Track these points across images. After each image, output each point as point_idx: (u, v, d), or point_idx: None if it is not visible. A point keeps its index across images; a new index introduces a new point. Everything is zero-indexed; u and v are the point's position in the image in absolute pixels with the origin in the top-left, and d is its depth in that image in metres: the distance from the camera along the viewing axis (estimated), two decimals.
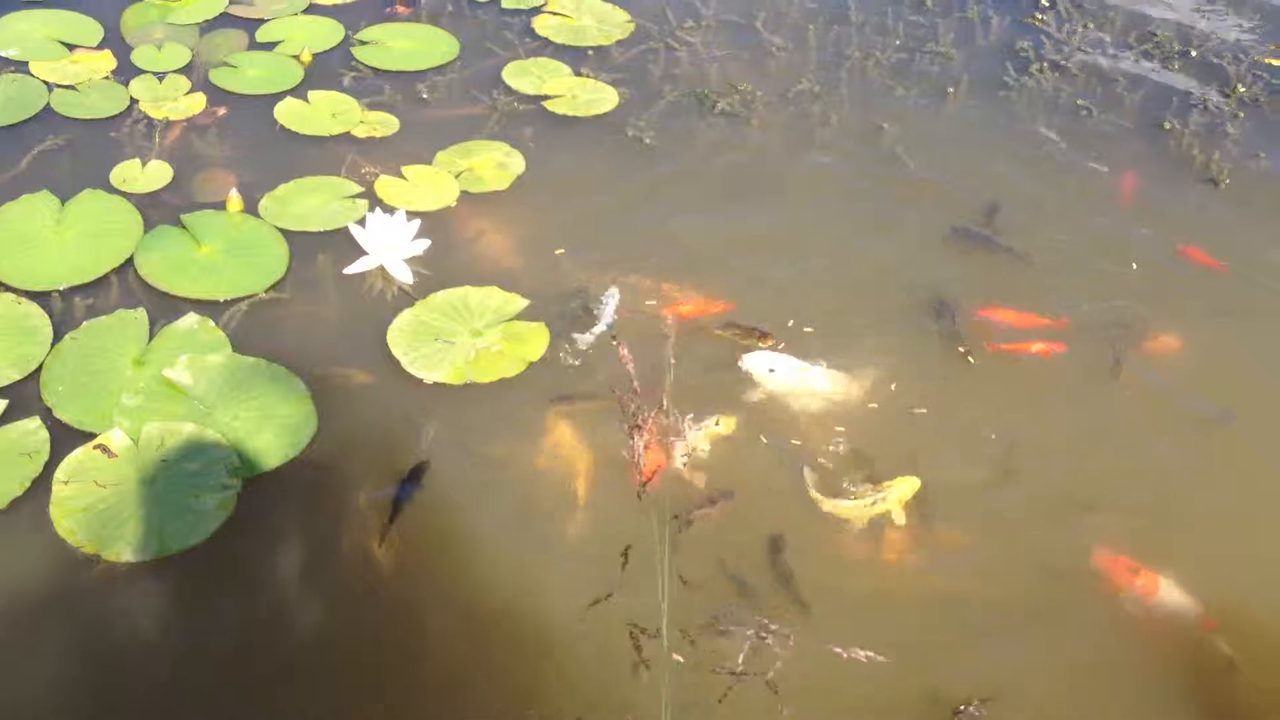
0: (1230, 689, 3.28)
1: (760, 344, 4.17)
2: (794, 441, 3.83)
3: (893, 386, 4.04)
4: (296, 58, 5.44)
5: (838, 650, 3.08)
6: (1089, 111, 5.55)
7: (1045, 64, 5.83)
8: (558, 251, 4.50)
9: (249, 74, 5.35)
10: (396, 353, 4.04)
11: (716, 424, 3.82)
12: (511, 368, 4.06)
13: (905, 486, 3.69)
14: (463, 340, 4.14)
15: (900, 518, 3.61)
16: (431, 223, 4.57)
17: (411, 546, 3.51)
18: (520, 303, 4.29)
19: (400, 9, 5.69)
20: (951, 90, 5.64)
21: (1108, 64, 5.89)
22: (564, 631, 3.27)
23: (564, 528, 3.57)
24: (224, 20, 5.67)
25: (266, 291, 4.27)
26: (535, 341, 4.16)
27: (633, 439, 2.64)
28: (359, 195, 4.71)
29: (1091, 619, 3.43)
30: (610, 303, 4.26)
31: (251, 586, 3.40)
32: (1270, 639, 3.40)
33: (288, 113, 5.12)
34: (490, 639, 3.30)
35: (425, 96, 5.32)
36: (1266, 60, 6.06)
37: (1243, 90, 5.79)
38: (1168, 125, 5.50)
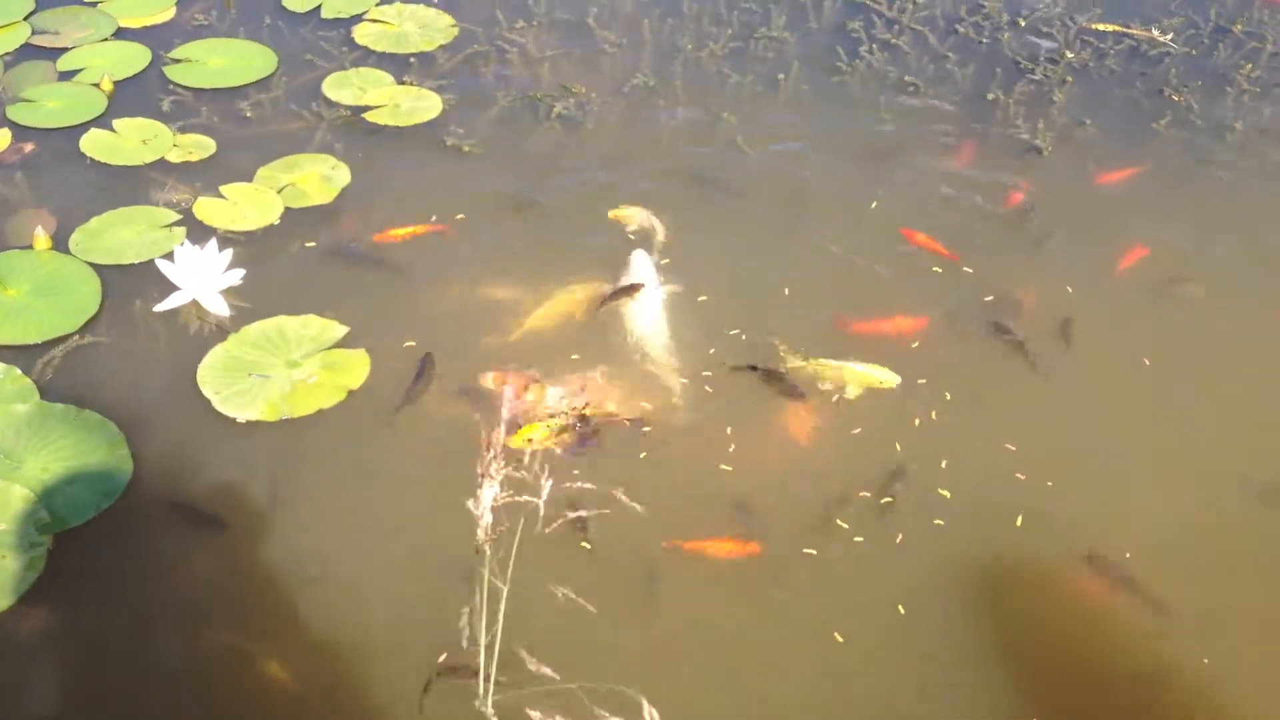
0: None
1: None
2: None
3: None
4: (97, 85, 5.22)
5: None
6: (916, 88, 5.57)
7: (875, 44, 5.84)
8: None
9: (48, 107, 5.12)
10: (207, 391, 3.87)
11: None
12: (330, 398, 3.91)
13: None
14: (279, 373, 3.99)
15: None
16: (254, 242, 4.48)
17: (241, 595, 3.39)
18: (339, 329, 4.14)
19: None
20: (782, 77, 5.61)
21: (937, 39, 5.93)
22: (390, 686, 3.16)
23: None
24: (27, 51, 5.43)
25: (79, 331, 4.09)
26: (355, 369, 4.01)
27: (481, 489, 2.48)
28: (176, 223, 4.53)
29: None
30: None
31: (64, 653, 3.23)
32: None
33: (95, 144, 4.90)
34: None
35: (247, 114, 5.14)
36: (1094, 26, 6.15)
37: (1071, 56, 5.86)
38: (991, 96, 5.54)
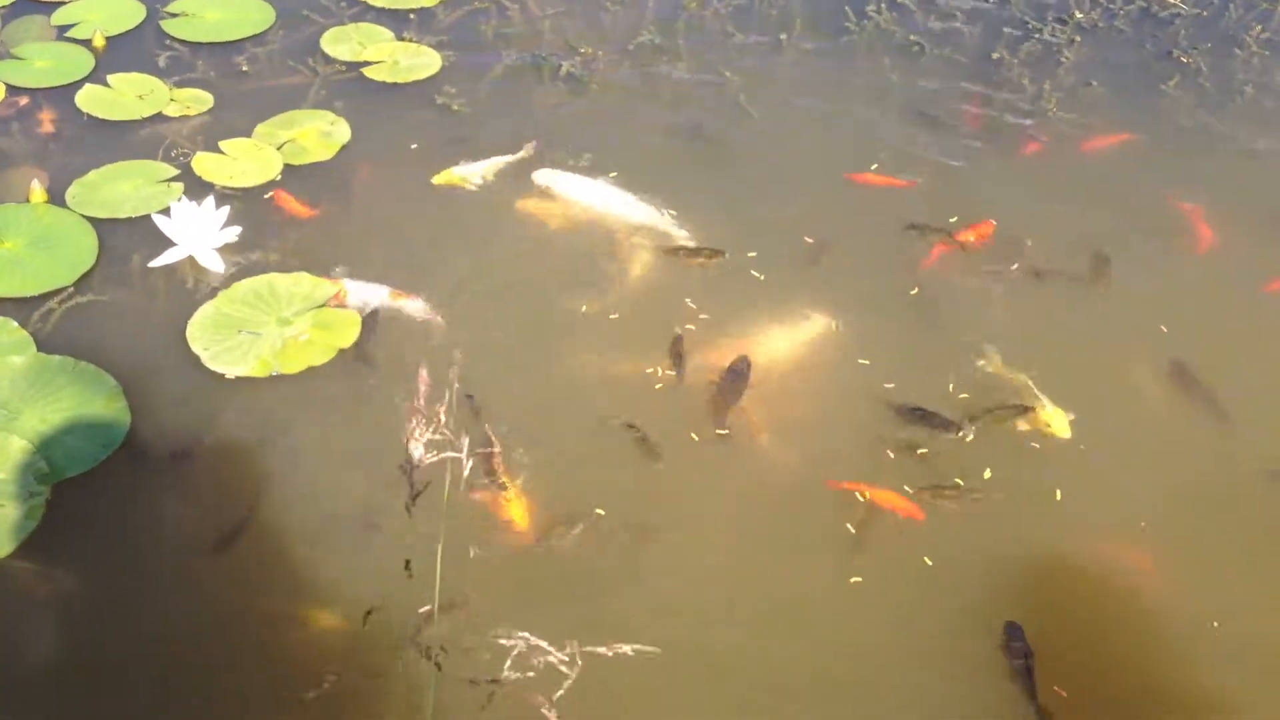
0: None
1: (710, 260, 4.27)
2: None
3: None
4: (88, 41, 5.13)
5: None
6: (921, 49, 5.50)
7: (882, 3, 5.77)
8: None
9: (37, 66, 5.03)
10: (196, 348, 3.83)
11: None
12: (321, 355, 3.87)
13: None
14: (270, 330, 3.94)
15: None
16: (253, 198, 4.44)
17: (238, 545, 3.37)
18: (331, 287, 4.09)
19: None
20: (784, 36, 5.55)
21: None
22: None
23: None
24: (22, 6, 5.34)
25: (75, 284, 4.05)
26: (346, 328, 3.96)
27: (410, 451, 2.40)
28: (175, 178, 4.48)
29: None
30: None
31: (63, 601, 3.21)
32: None
33: (91, 99, 4.83)
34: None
35: (244, 69, 5.08)
36: None
37: (1080, 16, 5.80)
38: (997, 56, 5.48)
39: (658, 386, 3.83)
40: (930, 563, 3.39)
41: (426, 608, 2.69)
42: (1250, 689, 3.17)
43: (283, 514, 3.41)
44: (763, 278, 4.24)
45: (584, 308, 4.08)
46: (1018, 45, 5.54)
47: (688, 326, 4.02)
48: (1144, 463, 3.73)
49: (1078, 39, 5.63)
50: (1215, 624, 3.28)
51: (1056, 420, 3.76)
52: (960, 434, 3.70)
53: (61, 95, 4.87)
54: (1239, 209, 4.69)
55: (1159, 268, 4.42)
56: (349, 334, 3.94)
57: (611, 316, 4.06)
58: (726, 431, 3.69)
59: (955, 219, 4.50)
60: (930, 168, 4.81)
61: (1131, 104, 5.26)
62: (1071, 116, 5.13)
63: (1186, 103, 5.28)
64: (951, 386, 3.87)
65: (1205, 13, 5.90)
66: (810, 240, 4.40)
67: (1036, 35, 5.63)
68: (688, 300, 4.11)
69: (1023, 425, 3.76)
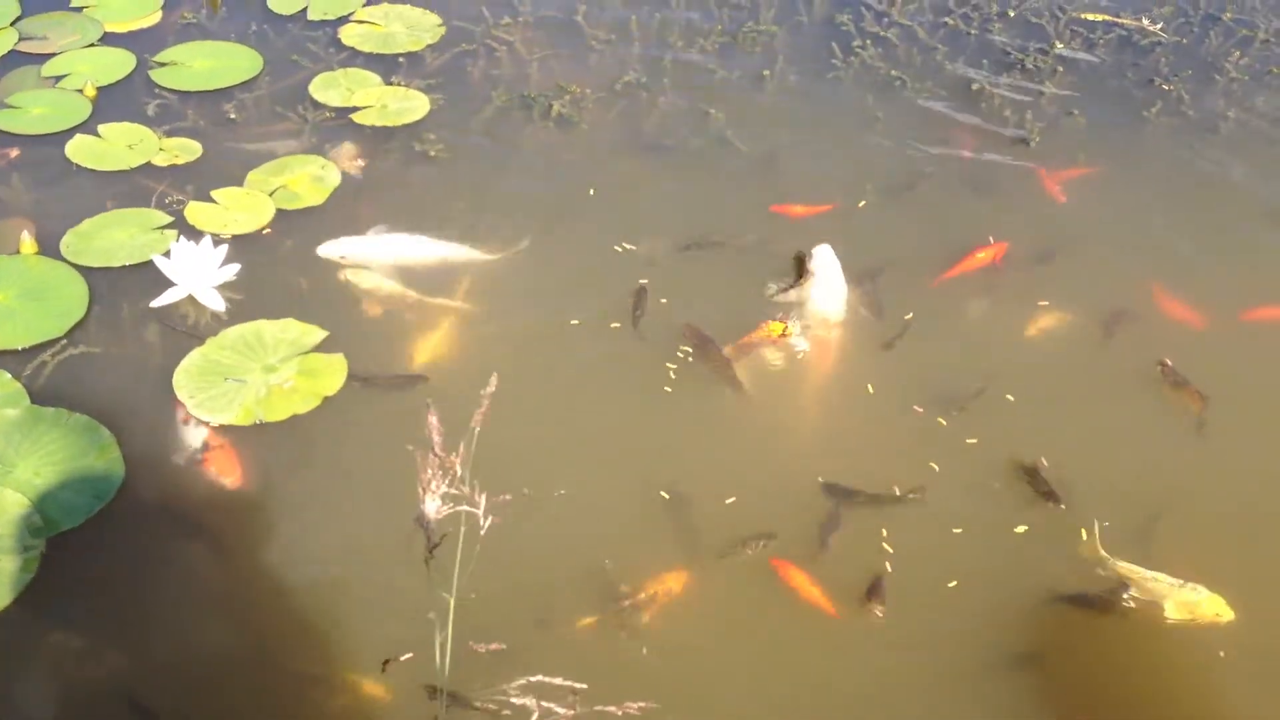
0: None
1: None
2: None
3: None
4: (80, 91, 5.18)
5: None
6: (903, 83, 5.55)
7: (866, 39, 5.82)
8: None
9: (32, 113, 5.08)
10: (182, 395, 3.85)
11: None
12: (305, 404, 3.88)
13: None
14: (255, 377, 3.95)
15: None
16: (247, 244, 4.47)
17: (232, 595, 3.38)
18: (319, 334, 4.11)
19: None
20: (767, 73, 5.60)
21: (926, 33, 5.91)
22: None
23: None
24: (15, 58, 5.38)
25: (68, 335, 4.07)
26: (332, 375, 3.97)
27: (424, 504, 2.39)
28: (168, 225, 4.51)
29: None
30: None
31: (58, 655, 3.22)
32: None
33: (81, 150, 4.87)
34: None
35: (232, 117, 5.12)
36: (1084, 15, 6.15)
37: (1061, 47, 5.86)
38: (977, 87, 5.54)
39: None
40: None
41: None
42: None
43: (276, 564, 3.43)
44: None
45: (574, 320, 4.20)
46: (1000, 77, 5.60)
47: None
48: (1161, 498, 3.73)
49: (1059, 69, 5.69)
50: (1221, 653, 3.30)
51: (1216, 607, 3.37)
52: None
53: (54, 144, 4.90)
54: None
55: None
56: (334, 381, 3.96)
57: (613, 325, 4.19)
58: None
59: (992, 236, 4.61)
60: (920, 199, 4.87)
61: (1113, 133, 5.31)
62: (1054, 146, 5.18)
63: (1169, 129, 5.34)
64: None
65: (1185, 40, 5.96)
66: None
67: (1018, 67, 5.68)
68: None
69: (1174, 614, 3.38)
